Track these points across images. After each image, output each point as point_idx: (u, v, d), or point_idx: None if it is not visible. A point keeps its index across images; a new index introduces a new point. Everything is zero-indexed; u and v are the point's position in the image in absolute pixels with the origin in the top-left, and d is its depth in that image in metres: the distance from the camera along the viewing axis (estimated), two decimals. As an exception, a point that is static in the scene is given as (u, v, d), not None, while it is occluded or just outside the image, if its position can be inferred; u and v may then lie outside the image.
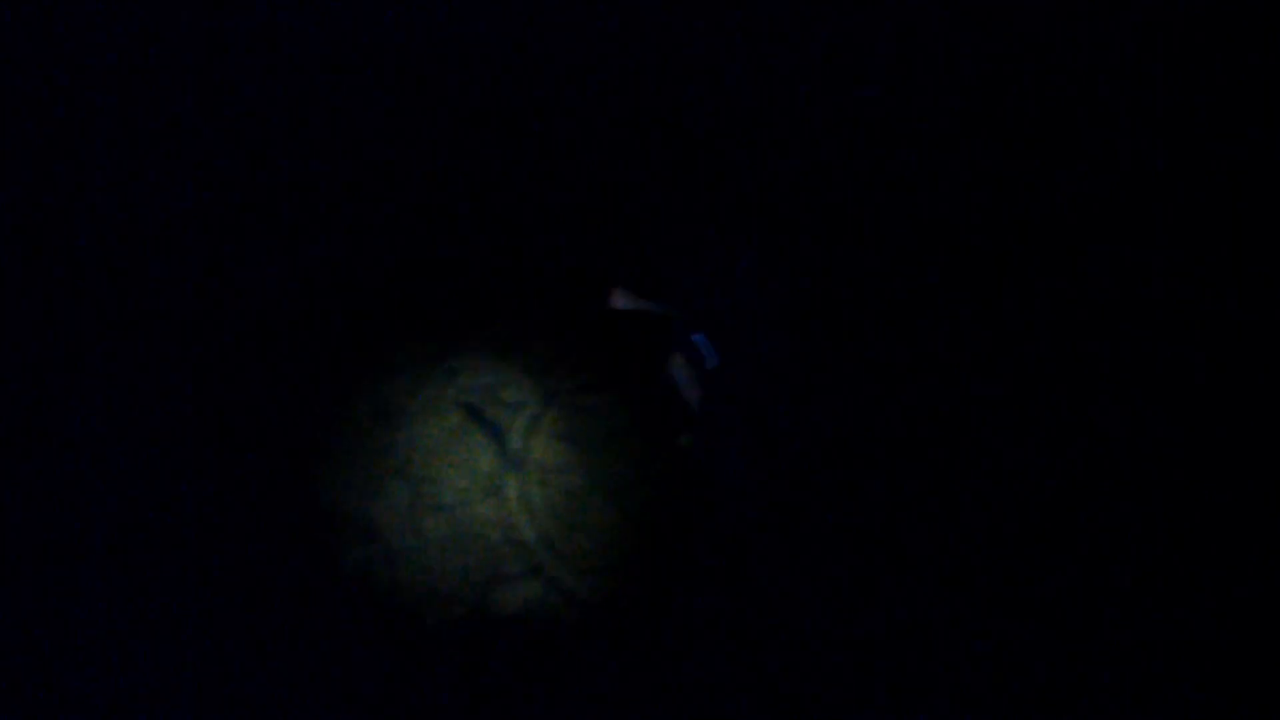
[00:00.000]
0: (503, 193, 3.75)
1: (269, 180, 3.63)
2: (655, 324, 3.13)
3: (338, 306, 3.61)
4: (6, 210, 3.30)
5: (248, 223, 3.61)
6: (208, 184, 3.54)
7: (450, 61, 3.64)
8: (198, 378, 3.38)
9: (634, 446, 3.50)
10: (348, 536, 3.22)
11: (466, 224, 3.75)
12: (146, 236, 3.48)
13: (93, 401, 3.26)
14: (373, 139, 3.72)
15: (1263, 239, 3.32)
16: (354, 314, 3.60)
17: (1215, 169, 3.41)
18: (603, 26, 3.59)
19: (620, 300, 3.03)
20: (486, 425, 3.43)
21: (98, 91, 3.42)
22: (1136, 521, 3.08)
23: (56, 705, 2.71)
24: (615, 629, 3.10)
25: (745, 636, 3.04)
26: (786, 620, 3.05)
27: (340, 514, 3.26)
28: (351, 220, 3.70)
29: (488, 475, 3.39)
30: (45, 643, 2.83)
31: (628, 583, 3.21)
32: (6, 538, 2.99)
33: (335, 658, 2.99)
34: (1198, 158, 3.44)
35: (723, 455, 3.18)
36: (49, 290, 3.32)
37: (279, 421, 3.37)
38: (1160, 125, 3.50)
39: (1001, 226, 3.59)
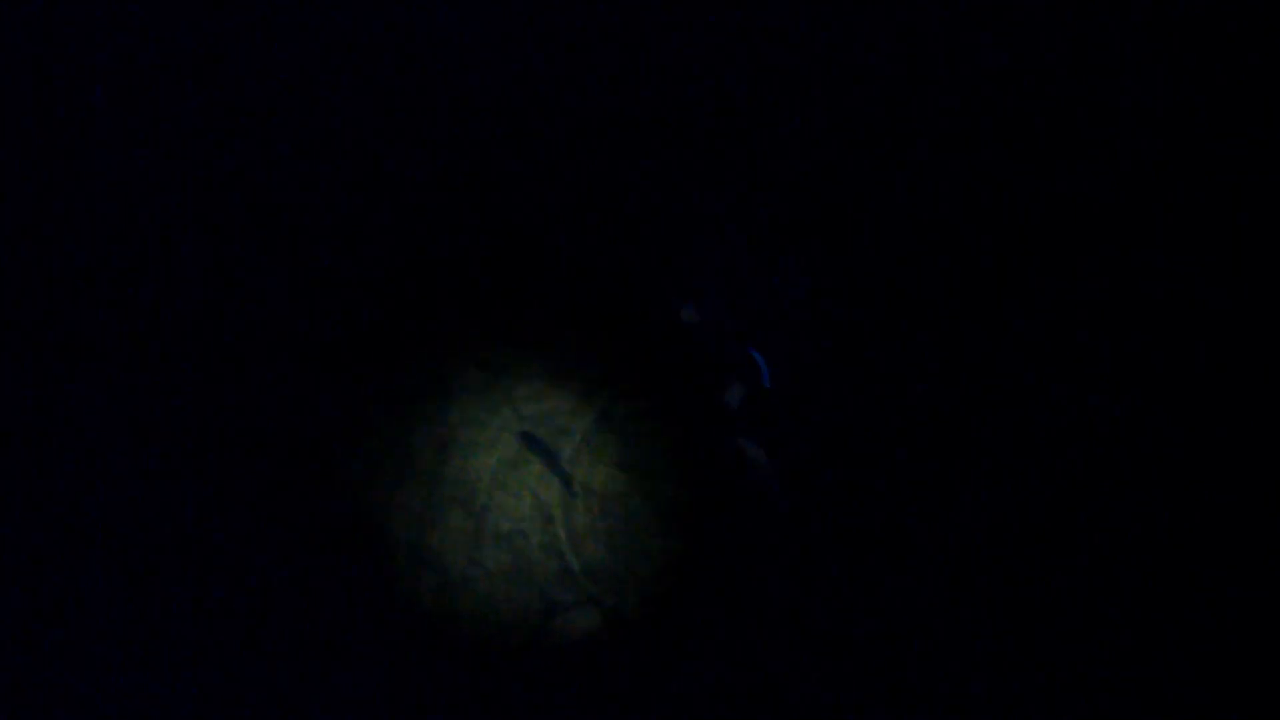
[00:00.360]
0: (557, 220, 3.74)
1: (315, 205, 3.68)
2: (715, 340, 3.10)
3: (399, 338, 3.64)
4: (8, 212, 3.39)
5: (298, 252, 3.65)
6: (239, 206, 3.61)
7: (490, 67, 3.63)
8: (257, 410, 3.45)
9: (690, 470, 3.47)
10: (408, 566, 3.27)
11: (523, 251, 3.75)
12: (169, 260, 3.56)
13: (128, 429, 3.36)
14: (418, 163, 3.74)
15: (1263, 239, 3.16)
16: (414, 344, 3.64)
17: (1216, 169, 3.26)
18: (626, 25, 3.54)
19: (689, 314, 3.02)
20: (544, 453, 3.43)
21: (99, 91, 3.48)
22: (1138, 522, 2.99)
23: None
24: (671, 656, 3.11)
25: (793, 654, 3.03)
26: (825, 631, 3.04)
27: (401, 544, 3.31)
28: (408, 252, 3.72)
29: (546, 504, 3.40)
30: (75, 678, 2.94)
31: (684, 608, 3.21)
32: (32, 554, 3.10)
33: (396, 687, 3.05)
34: (1198, 158, 3.29)
35: (764, 469, 3.16)
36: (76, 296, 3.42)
37: (340, 453, 3.43)
38: (1163, 125, 3.35)
39: (1013, 226, 3.47)
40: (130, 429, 3.36)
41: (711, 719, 3.00)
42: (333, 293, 3.63)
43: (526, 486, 3.41)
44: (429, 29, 3.68)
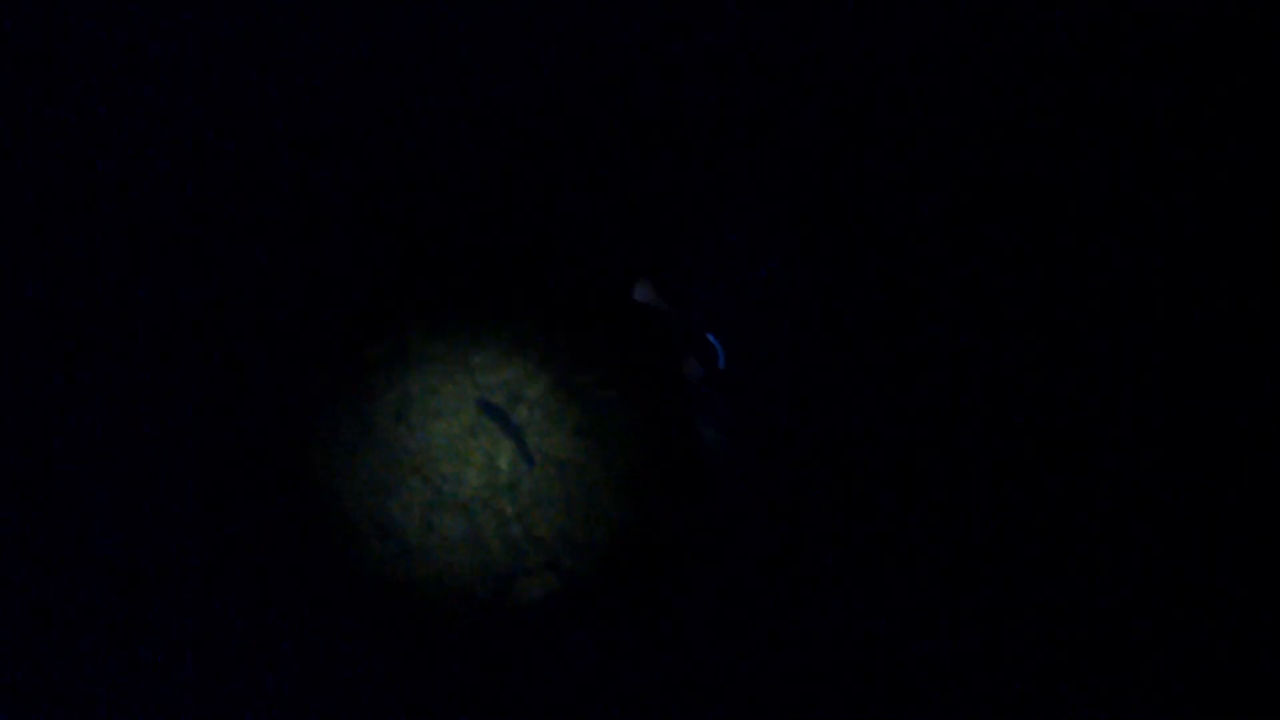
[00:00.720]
0: (518, 187, 3.70)
1: (275, 175, 3.62)
2: (667, 322, 3.09)
3: (353, 304, 3.61)
4: (7, 212, 3.33)
5: (254, 217, 3.60)
6: (211, 177, 3.54)
7: (457, 57, 3.58)
8: (209, 377, 3.42)
9: (651, 440, 3.48)
10: (365, 534, 3.28)
11: (483, 218, 3.72)
12: (148, 230, 3.49)
13: (95, 400, 3.32)
14: (380, 134, 3.68)
15: (1263, 239, 3.19)
16: (370, 312, 3.61)
17: (1216, 169, 3.28)
18: (609, 23, 3.50)
19: (642, 293, 3.00)
20: (504, 422, 3.43)
21: (98, 91, 3.41)
22: (1139, 522, 3.03)
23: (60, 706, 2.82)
24: (630, 621, 3.14)
25: (752, 625, 3.06)
26: (789, 615, 3.07)
27: (358, 512, 3.31)
28: (363, 216, 3.68)
29: (506, 472, 3.40)
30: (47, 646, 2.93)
31: (643, 574, 3.24)
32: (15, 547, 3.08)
33: (352, 654, 3.07)
34: (1198, 158, 3.30)
35: (725, 450, 3.17)
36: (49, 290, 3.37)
37: (295, 421, 3.41)
38: (1163, 125, 3.37)
39: (1009, 226, 3.48)
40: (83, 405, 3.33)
41: (669, 682, 3.04)
42: (289, 262, 3.59)
43: (484, 454, 3.42)
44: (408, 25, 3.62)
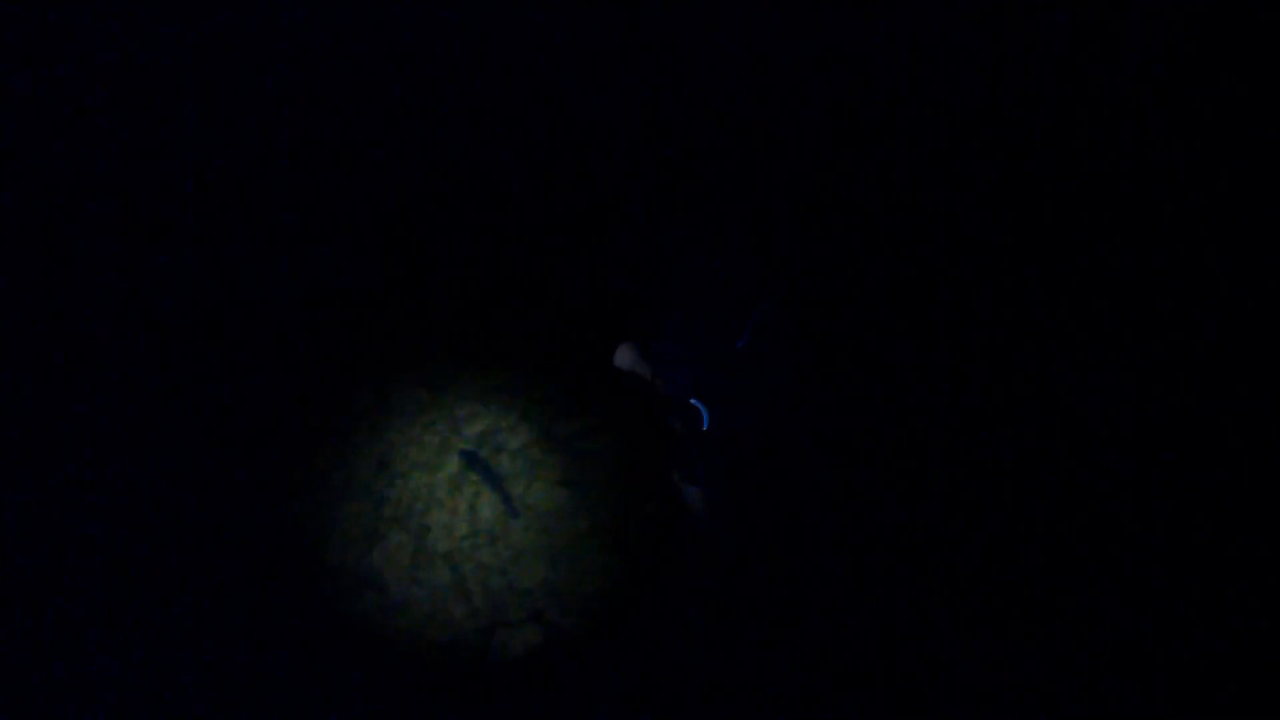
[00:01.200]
0: (501, 235, 3.78)
1: (256, 215, 3.67)
2: (649, 386, 3.14)
3: (335, 354, 3.65)
4: (6, 212, 3.34)
5: (240, 257, 3.64)
6: (196, 219, 3.59)
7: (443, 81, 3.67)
8: (194, 425, 3.41)
9: (634, 490, 3.52)
10: (348, 587, 3.25)
11: (465, 268, 3.79)
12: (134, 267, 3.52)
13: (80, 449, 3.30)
14: (365, 182, 3.76)
15: (1263, 239, 3.29)
16: (352, 361, 3.65)
17: (1216, 169, 3.39)
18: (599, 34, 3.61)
19: (623, 358, 3.03)
20: (487, 472, 3.45)
21: (98, 91, 3.46)
22: (1139, 523, 3.06)
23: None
24: (614, 672, 3.12)
25: (736, 669, 3.05)
26: (781, 647, 3.07)
27: (340, 565, 3.29)
28: (343, 263, 3.73)
29: (489, 522, 3.41)
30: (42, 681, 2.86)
31: (627, 625, 3.23)
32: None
33: (337, 707, 3.01)
34: (1198, 158, 3.42)
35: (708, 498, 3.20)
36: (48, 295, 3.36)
37: (276, 471, 3.41)
38: (1162, 125, 3.49)
39: (1007, 231, 3.57)
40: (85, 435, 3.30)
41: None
42: (275, 313, 3.62)
43: (467, 505, 3.43)
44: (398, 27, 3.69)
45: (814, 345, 3.48)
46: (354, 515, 3.38)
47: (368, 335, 3.68)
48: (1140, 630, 2.83)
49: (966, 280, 3.55)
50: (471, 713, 3.07)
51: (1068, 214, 3.52)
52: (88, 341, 3.44)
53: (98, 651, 2.96)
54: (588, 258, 3.71)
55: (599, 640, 3.19)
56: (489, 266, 3.77)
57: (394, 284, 3.75)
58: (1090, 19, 3.50)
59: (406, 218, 3.79)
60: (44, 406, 3.35)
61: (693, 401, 2.80)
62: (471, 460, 3.47)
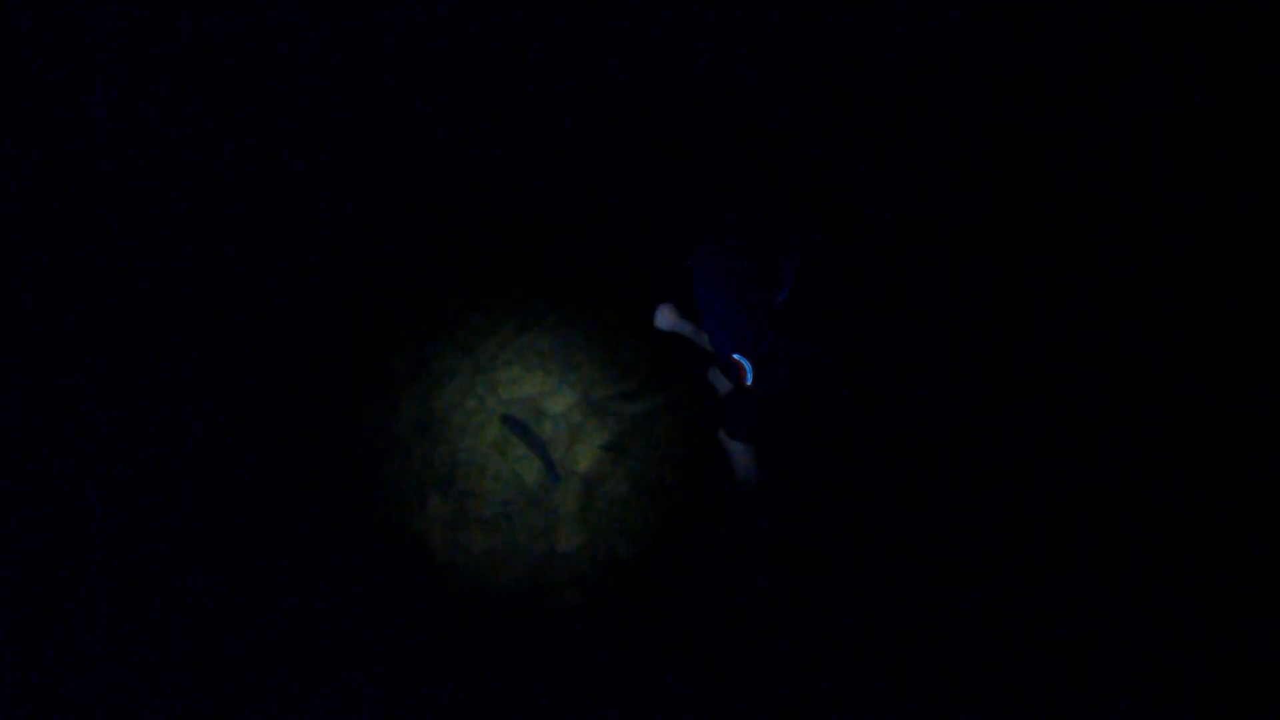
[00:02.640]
0: (543, 204, 3.75)
1: (293, 185, 3.69)
2: (692, 343, 3.09)
3: (378, 320, 3.66)
4: (6, 212, 3.41)
5: (276, 231, 3.67)
6: (227, 189, 3.62)
7: (481, 59, 3.64)
8: (234, 392, 3.46)
9: (676, 454, 3.47)
10: (391, 551, 3.28)
11: (506, 234, 3.77)
12: (160, 248, 3.57)
13: (118, 415, 3.36)
14: (400, 149, 3.75)
15: (1263, 239, 3.16)
16: (395, 327, 3.66)
17: (1216, 169, 3.25)
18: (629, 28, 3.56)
19: (664, 319, 3.01)
20: (529, 437, 3.43)
21: (97, 91, 3.51)
22: (1138, 524, 2.96)
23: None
24: (656, 635, 3.10)
25: (777, 636, 3.01)
26: (808, 613, 3.02)
27: (384, 529, 3.31)
28: (388, 233, 3.74)
29: (530, 488, 3.40)
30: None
31: (668, 589, 3.20)
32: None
33: (382, 672, 3.04)
34: (1198, 157, 3.29)
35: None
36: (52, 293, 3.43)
37: (321, 436, 3.44)
38: (1161, 126, 3.36)
39: (1010, 225, 3.46)
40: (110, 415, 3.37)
41: (696, 697, 2.99)
42: (315, 278, 3.65)
43: (509, 470, 3.42)
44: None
45: (854, 303, 3.40)
46: (395, 480, 3.40)
47: (408, 301, 3.69)
48: (1141, 630, 2.74)
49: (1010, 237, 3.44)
50: (513, 677, 3.08)
51: (1079, 211, 3.40)
52: (126, 301, 3.50)
53: (136, 617, 3.03)
54: (627, 221, 3.66)
55: (641, 603, 3.17)
56: (530, 232, 3.74)
57: (434, 249, 3.74)
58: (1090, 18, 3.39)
59: (447, 181, 3.77)
60: (85, 365, 3.42)
61: (735, 357, 2.73)
62: (512, 425, 3.45)
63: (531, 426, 3.46)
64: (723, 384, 3.20)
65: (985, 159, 3.48)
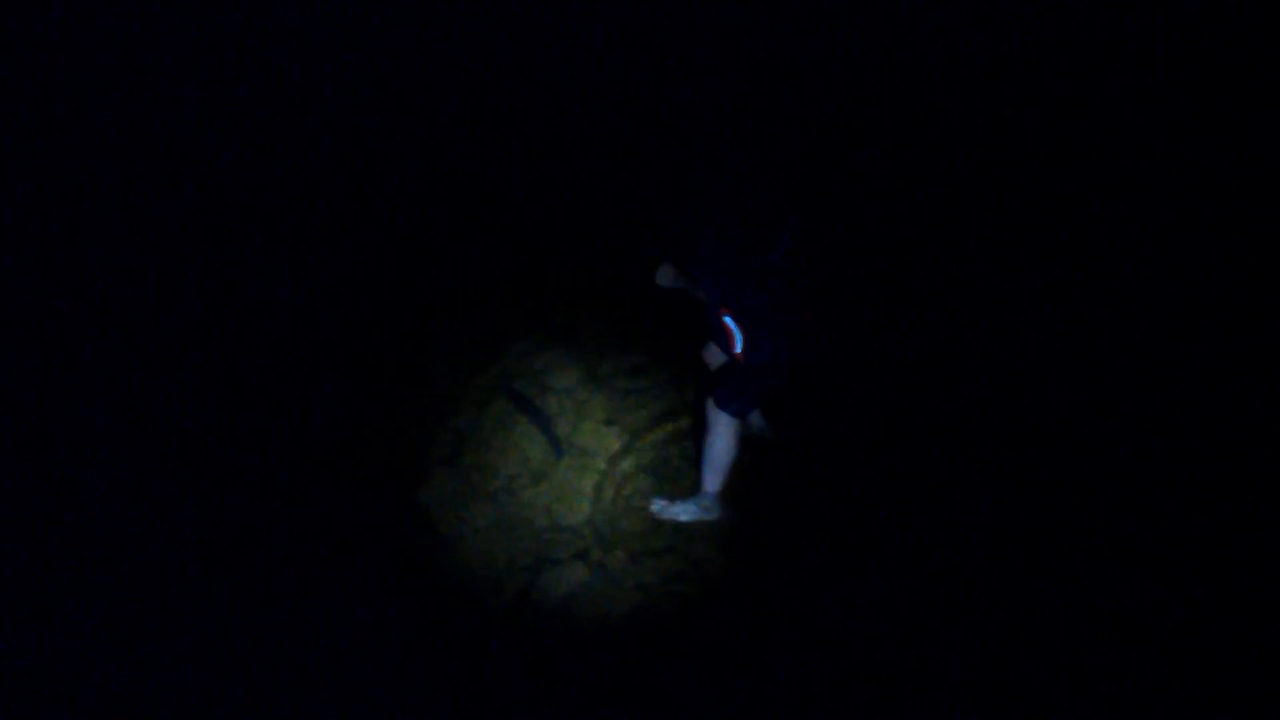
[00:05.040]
0: (544, 177, 3.81)
1: (301, 159, 3.75)
2: (693, 299, 3.10)
3: (384, 294, 3.71)
4: (7, 212, 3.49)
5: (281, 204, 3.73)
6: (234, 160, 3.68)
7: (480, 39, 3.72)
8: (242, 369, 3.49)
9: (681, 429, 3.48)
10: (396, 525, 3.29)
11: (511, 209, 3.82)
12: (168, 217, 3.62)
13: (123, 400, 3.39)
14: (404, 119, 3.81)
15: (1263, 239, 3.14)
16: (401, 301, 3.70)
17: (1216, 169, 3.25)
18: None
19: (665, 277, 3.01)
20: (533, 412, 3.46)
21: (98, 91, 3.60)
22: (1138, 524, 2.91)
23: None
24: (659, 611, 3.07)
25: (780, 617, 2.97)
26: (813, 595, 2.98)
27: (388, 502, 3.33)
28: (394, 206, 3.80)
29: (535, 462, 3.41)
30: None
31: (672, 566, 3.18)
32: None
33: (385, 645, 3.04)
34: (1198, 158, 3.28)
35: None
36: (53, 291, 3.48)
37: (325, 410, 3.47)
38: (1161, 125, 3.36)
39: (1009, 224, 3.48)
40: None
41: (699, 677, 2.96)
42: (322, 252, 3.71)
43: (514, 444, 3.44)
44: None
45: (847, 271, 3.41)
46: (402, 455, 3.42)
47: (413, 278, 3.74)
48: (1140, 630, 2.69)
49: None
50: (518, 650, 3.07)
51: (1078, 209, 3.41)
52: (140, 294, 3.56)
53: (138, 606, 3.04)
54: (626, 195, 3.71)
55: (643, 578, 3.15)
56: (533, 208, 3.80)
57: (442, 230, 3.80)
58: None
59: (451, 157, 3.84)
60: (98, 357, 3.48)
61: (726, 320, 2.75)
62: (518, 400, 3.48)
63: (536, 401, 3.48)
64: (715, 360, 3.21)
65: (979, 150, 3.50)
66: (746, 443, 3.13)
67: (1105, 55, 3.44)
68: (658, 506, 3.21)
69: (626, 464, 3.39)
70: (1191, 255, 3.19)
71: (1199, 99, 3.30)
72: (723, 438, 3.05)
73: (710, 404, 3.03)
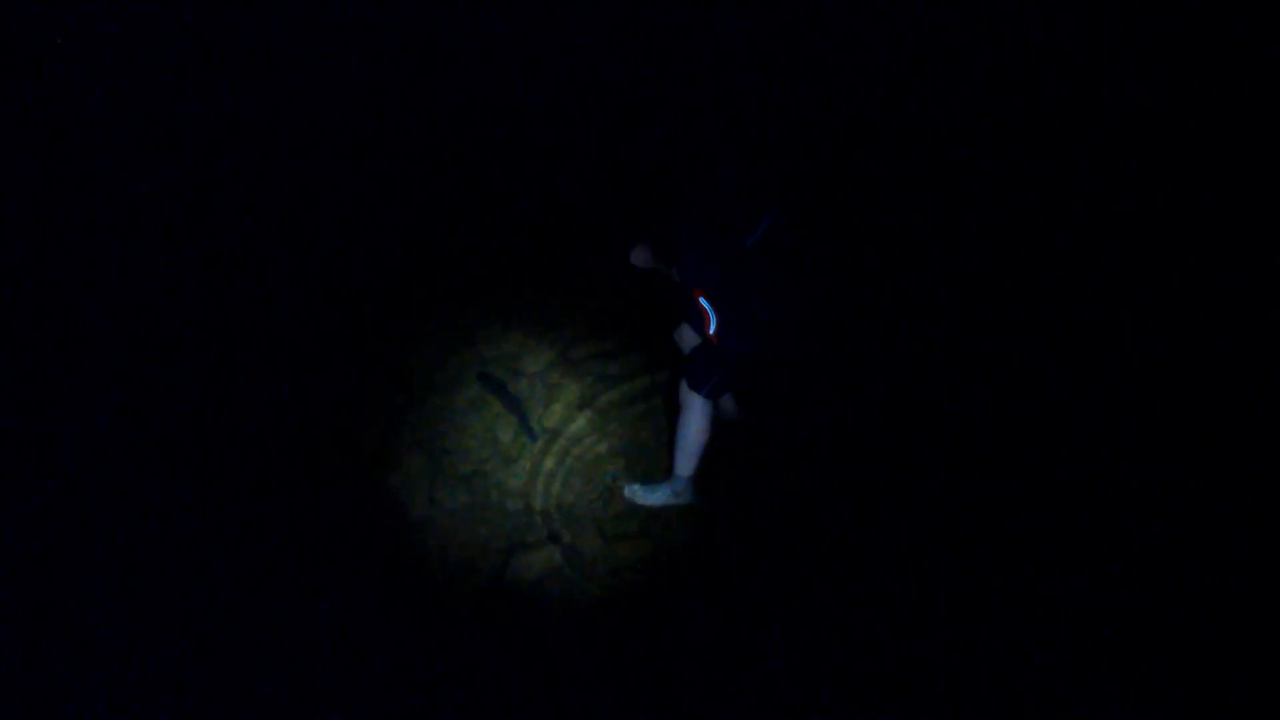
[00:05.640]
0: (521, 162, 3.78)
1: (277, 152, 3.72)
2: (667, 285, 3.08)
3: (357, 278, 3.68)
4: (7, 212, 3.45)
5: (257, 197, 3.70)
6: (217, 149, 3.64)
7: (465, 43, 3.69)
8: (213, 356, 3.47)
9: (653, 411, 3.48)
10: (367, 507, 3.29)
11: (485, 193, 3.80)
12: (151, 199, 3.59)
13: (104, 393, 3.37)
14: (381, 123, 3.79)
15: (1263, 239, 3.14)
16: (374, 286, 3.68)
17: (1215, 169, 3.24)
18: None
19: (639, 257, 2.99)
20: (506, 395, 3.45)
21: (98, 90, 3.55)
22: (1139, 524, 2.93)
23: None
24: (631, 595, 3.09)
25: (758, 610, 2.98)
26: (783, 579, 3.00)
27: (360, 485, 3.32)
28: (367, 193, 3.77)
29: (507, 445, 3.41)
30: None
31: (645, 549, 3.19)
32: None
33: (356, 628, 3.04)
34: (1197, 157, 3.28)
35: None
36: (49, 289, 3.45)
37: (298, 396, 3.45)
38: (1161, 125, 3.35)
39: (1010, 225, 3.47)
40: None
41: (670, 656, 2.97)
42: (291, 239, 3.68)
43: (486, 427, 3.43)
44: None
45: (827, 265, 3.40)
46: (374, 438, 3.41)
47: (386, 262, 3.71)
48: (1140, 630, 2.71)
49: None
50: (489, 632, 3.08)
51: (1078, 208, 3.40)
52: (134, 292, 3.53)
53: (125, 600, 3.03)
54: (605, 180, 3.68)
55: (615, 561, 3.16)
56: (505, 193, 3.77)
57: (415, 214, 3.77)
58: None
59: (429, 144, 3.81)
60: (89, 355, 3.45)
61: (701, 301, 2.73)
62: (490, 383, 3.46)
63: (508, 385, 3.47)
64: (688, 343, 3.20)
65: (974, 148, 3.48)
66: (718, 426, 3.12)
67: (1093, 46, 3.43)
68: (629, 491, 3.22)
69: (599, 447, 3.39)
70: (1191, 255, 3.20)
71: (1199, 99, 3.29)
72: (695, 421, 3.04)
73: (683, 386, 3.03)
